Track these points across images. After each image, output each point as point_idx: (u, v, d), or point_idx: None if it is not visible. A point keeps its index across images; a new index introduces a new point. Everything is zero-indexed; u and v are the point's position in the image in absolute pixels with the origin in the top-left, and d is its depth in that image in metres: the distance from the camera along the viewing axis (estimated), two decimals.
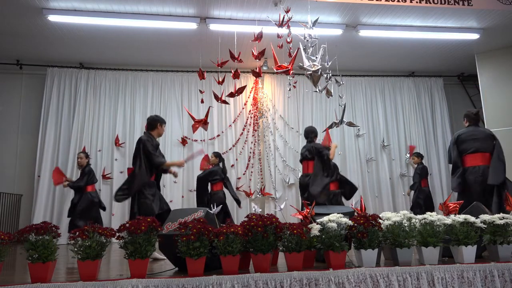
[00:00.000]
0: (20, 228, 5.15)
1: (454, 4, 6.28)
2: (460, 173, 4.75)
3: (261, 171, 8.44)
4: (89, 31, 6.84)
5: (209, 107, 5.90)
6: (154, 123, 4.72)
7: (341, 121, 5.69)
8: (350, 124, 5.88)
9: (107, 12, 6.29)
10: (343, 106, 5.86)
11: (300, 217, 3.59)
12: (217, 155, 6.80)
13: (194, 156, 5.91)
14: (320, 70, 4.33)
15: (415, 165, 7.64)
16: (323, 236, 3.12)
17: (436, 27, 7.02)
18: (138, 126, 8.19)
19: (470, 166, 4.70)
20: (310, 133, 5.89)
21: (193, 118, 5.33)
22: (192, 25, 6.66)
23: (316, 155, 5.59)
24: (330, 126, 5.87)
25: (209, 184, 6.62)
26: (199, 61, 7.14)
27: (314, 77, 4.31)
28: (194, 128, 5.27)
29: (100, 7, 6.16)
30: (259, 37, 4.78)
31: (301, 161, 5.89)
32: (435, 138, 9.08)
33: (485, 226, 3.35)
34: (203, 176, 6.60)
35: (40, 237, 2.81)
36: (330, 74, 4.91)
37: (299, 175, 7.65)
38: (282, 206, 3.55)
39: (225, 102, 5.20)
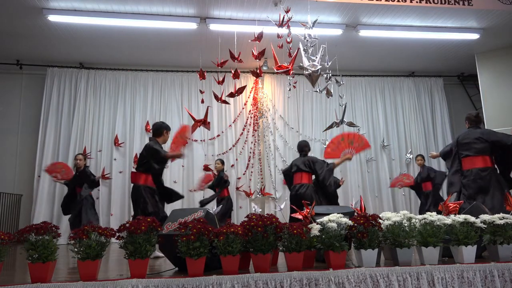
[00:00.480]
0: (20, 228, 5.15)
1: (454, 4, 6.28)
2: (455, 175, 4.78)
3: (261, 171, 8.44)
4: (89, 31, 6.84)
5: (208, 107, 5.90)
6: (160, 130, 4.87)
7: (342, 121, 5.70)
8: (350, 124, 5.91)
9: (107, 12, 6.29)
10: (343, 106, 5.87)
11: (300, 217, 3.59)
12: (223, 162, 7.12)
13: None
14: (319, 70, 4.33)
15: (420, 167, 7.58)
16: (323, 236, 3.12)
17: (436, 27, 7.02)
18: (138, 126, 8.19)
19: (464, 169, 4.73)
20: (305, 147, 5.88)
21: (193, 118, 5.33)
22: (192, 25, 6.66)
23: (310, 168, 5.61)
24: (331, 126, 5.90)
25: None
26: (199, 61, 7.14)
27: (313, 77, 4.31)
28: (193, 128, 5.27)
29: (100, 7, 6.16)
30: (259, 37, 4.78)
31: (293, 172, 5.76)
32: (435, 138, 9.08)
33: (485, 226, 3.35)
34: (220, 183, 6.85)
35: (40, 237, 2.81)
36: (330, 74, 4.91)
37: None
38: (282, 206, 3.55)
39: (225, 102, 5.20)
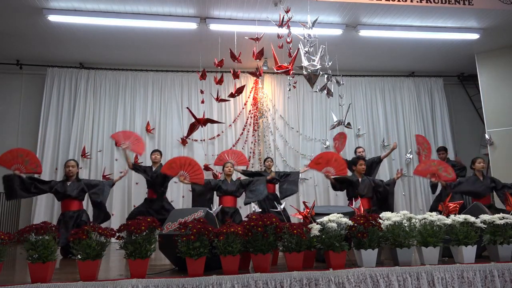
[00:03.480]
0: (20, 228, 5.15)
1: (455, 4, 6.28)
2: None
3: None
4: (89, 31, 6.84)
5: (187, 107, 6.07)
6: None
7: (344, 121, 5.78)
8: (348, 125, 6.00)
9: (107, 12, 6.29)
10: (347, 106, 5.95)
11: (300, 217, 3.60)
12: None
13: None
14: (319, 70, 4.33)
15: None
16: (323, 236, 3.13)
17: (436, 27, 7.02)
18: (138, 126, 8.18)
19: None
20: None
21: (195, 118, 5.30)
22: (192, 25, 6.66)
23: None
24: (334, 127, 6.01)
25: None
26: (199, 61, 7.14)
27: (312, 78, 4.32)
28: (192, 131, 5.28)
29: (100, 7, 6.16)
30: (258, 38, 4.80)
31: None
32: (435, 138, 9.07)
33: (485, 226, 3.35)
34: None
35: (40, 237, 2.81)
36: (331, 74, 4.92)
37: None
38: (282, 206, 3.55)
39: (223, 100, 5.20)
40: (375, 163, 7.31)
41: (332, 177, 5.71)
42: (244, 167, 7.27)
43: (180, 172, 5.63)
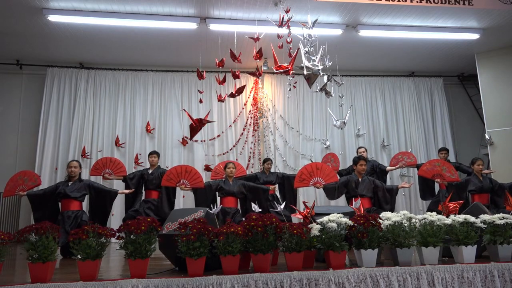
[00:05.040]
0: (20, 228, 5.15)
1: (455, 4, 6.28)
2: None
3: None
4: (89, 31, 6.84)
5: (183, 109, 6.09)
6: None
7: (345, 122, 5.80)
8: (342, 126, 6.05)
9: (107, 12, 6.29)
10: (349, 108, 5.98)
11: (300, 217, 3.60)
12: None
13: None
14: (319, 70, 4.33)
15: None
16: (323, 236, 3.13)
17: (436, 27, 7.02)
18: (138, 126, 8.18)
19: None
20: None
21: (192, 119, 5.31)
22: (192, 25, 6.66)
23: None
24: (339, 127, 6.08)
25: None
26: (199, 61, 7.14)
27: (312, 78, 4.31)
28: (195, 133, 5.30)
29: (100, 7, 6.16)
30: (257, 38, 4.80)
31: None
32: (435, 138, 9.08)
33: (485, 226, 3.35)
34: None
35: (40, 237, 2.81)
36: (331, 75, 4.92)
37: None
38: (282, 206, 3.55)
39: (221, 100, 5.22)
40: (378, 169, 7.25)
41: (323, 184, 5.71)
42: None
43: (179, 181, 5.83)
